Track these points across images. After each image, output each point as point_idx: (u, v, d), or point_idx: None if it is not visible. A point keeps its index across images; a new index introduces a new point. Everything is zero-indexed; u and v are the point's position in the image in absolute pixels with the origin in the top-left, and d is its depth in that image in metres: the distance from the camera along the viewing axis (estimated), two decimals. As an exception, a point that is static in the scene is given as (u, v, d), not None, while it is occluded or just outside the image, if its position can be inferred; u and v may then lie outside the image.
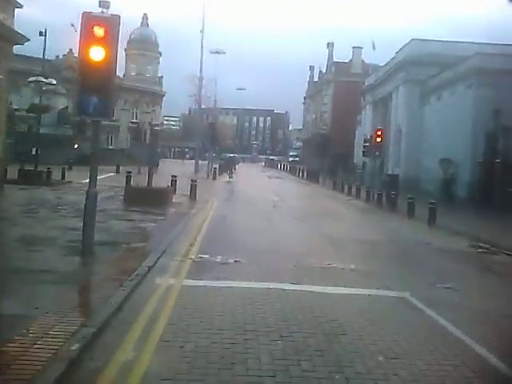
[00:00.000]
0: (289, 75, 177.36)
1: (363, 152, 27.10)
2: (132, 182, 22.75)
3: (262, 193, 25.12)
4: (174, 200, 16.96)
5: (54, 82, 23.29)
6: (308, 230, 13.21)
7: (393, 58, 41.77)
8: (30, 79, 24.90)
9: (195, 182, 19.30)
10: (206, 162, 39.62)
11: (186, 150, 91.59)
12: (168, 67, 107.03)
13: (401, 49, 39.51)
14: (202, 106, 50.63)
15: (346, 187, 29.26)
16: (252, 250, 9.60)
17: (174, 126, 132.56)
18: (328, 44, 70.06)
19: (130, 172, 23.47)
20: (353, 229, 13.91)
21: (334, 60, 68.25)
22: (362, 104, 55.41)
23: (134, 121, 73.86)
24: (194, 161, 39.55)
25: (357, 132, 59.20)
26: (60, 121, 46.33)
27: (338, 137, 60.46)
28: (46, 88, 23.46)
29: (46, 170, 22.74)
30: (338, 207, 21.50)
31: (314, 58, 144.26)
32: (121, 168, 33.73)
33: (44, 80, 22.73)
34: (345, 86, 61.78)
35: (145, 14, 76.69)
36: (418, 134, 36.34)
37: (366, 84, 52.34)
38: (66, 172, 30.03)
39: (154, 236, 10.53)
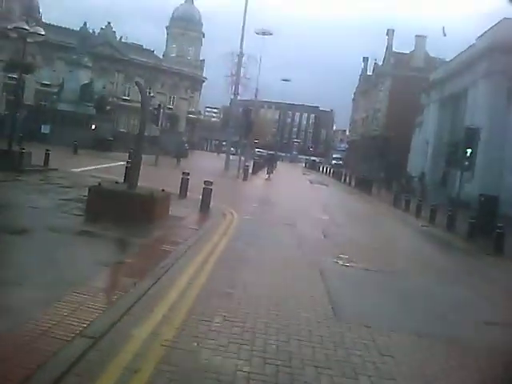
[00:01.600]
0: (336, 71, 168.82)
1: (447, 161, 20.29)
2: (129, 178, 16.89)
3: (305, 207, 18.58)
4: (171, 212, 10.83)
5: (42, 32, 17.37)
6: (411, 307, 6.73)
7: (471, 46, 34.24)
8: (8, 26, 19.13)
9: (210, 184, 13.04)
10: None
11: (224, 143, 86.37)
12: (212, 55, 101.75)
13: (484, 33, 31.95)
14: (242, 98, 44.66)
15: (411, 205, 22.57)
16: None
17: (214, 117, 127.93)
18: (388, 31, 60.79)
19: (129, 162, 17.49)
20: (492, 313, 7.29)
21: (394, 50, 60.15)
22: (423, 103, 47.97)
23: (170, 106, 68.73)
24: (233, 156, 33.32)
25: (414, 136, 51.94)
26: (82, 97, 40.93)
27: (393, 140, 53.15)
28: (33, 40, 17.54)
29: (19, 150, 16.83)
30: (419, 242, 14.77)
31: (366, 53, 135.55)
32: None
33: (27, 28, 16.78)
34: (404, 81, 54.17)
35: (191, -12, 70.71)
36: (502, 141, 28.91)
37: (432, 79, 44.89)
38: (66, 156, 24.64)
39: (64, 322, 4.33)
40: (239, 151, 34.81)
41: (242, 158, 30.83)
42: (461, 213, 18.12)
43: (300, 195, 24.01)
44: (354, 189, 35.69)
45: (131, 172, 10.32)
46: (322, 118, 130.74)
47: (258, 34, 35.52)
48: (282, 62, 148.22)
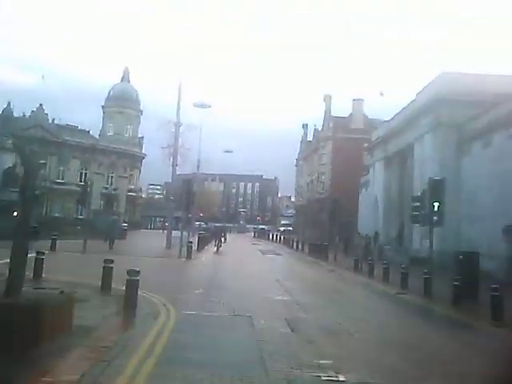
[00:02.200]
0: (277, 140, 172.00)
1: (412, 217, 18.30)
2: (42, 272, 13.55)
3: (260, 286, 15.51)
4: (77, 321, 7.62)
5: None
6: None
7: (412, 102, 34.14)
8: None
9: (136, 274, 9.95)
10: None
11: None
12: (152, 132, 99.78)
13: (424, 88, 31.81)
14: (184, 171, 42.42)
15: (376, 270, 20.30)
16: None
17: (158, 194, 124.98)
18: (325, 97, 62.60)
19: (40, 253, 14.22)
20: None
21: (332, 115, 60.88)
22: (368, 163, 47.41)
23: (106, 186, 65.25)
24: (177, 231, 29.86)
25: (360, 196, 51.06)
26: (6, 183, 37.03)
27: (340, 201, 52.00)
28: None
29: None
30: (406, 320, 11.94)
31: (304, 121, 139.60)
32: (58, 243, 24.19)
33: None
34: (345, 143, 54.26)
35: (126, 68, 69.72)
36: (456, 192, 27.56)
37: (374, 138, 44.55)
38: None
39: None
40: (180, 226, 31.80)
41: (185, 234, 27.71)
42: (428, 272, 15.94)
43: (253, 270, 21.01)
44: (308, 256, 33.14)
45: (11, 272, 7.14)
46: (267, 186, 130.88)
47: (196, 106, 33.56)
48: (223, 133, 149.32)
